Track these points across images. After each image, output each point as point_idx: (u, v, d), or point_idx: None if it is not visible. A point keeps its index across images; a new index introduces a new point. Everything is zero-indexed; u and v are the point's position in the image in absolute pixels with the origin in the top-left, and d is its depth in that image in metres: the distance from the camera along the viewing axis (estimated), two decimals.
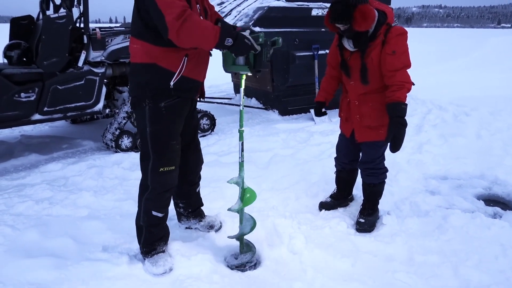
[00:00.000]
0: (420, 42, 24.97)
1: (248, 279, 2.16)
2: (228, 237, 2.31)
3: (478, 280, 2.09)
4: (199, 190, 2.59)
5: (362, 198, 2.80)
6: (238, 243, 2.32)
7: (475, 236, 2.50)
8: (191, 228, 2.60)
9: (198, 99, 2.35)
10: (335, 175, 3.00)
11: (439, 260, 2.26)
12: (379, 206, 2.79)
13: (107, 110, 4.44)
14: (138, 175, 3.50)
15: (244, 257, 2.27)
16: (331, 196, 2.98)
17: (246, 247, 2.31)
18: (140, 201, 2.18)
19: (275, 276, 2.17)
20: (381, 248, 2.39)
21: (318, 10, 5.28)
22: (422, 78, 9.96)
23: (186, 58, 1.98)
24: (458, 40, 27.30)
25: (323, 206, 2.89)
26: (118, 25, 5.42)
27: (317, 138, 4.48)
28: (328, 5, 5.25)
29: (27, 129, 4.91)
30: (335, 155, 4.05)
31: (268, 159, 3.78)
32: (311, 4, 5.23)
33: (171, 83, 1.98)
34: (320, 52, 5.42)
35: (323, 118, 5.42)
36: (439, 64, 13.11)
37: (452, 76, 10.29)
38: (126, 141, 4.24)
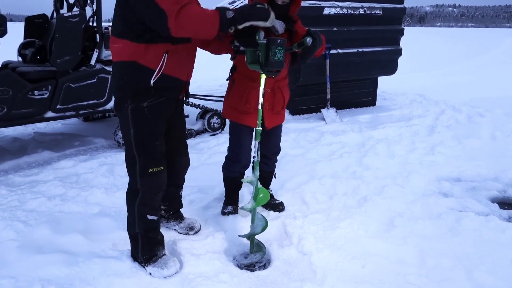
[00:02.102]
0: (434, 42, 24.67)
1: (257, 279, 2.15)
2: (239, 235, 2.30)
3: (492, 285, 2.05)
4: (181, 193, 2.59)
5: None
6: (247, 242, 2.31)
7: (489, 240, 2.45)
8: (170, 229, 2.57)
9: (184, 99, 2.31)
10: (227, 183, 2.79)
11: (452, 264, 2.22)
12: None
13: None
14: None
15: (254, 257, 2.26)
16: (231, 204, 2.79)
17: (257, 247, 2.30)
18: (131, 209, 2.11)
19: (285, 276, 2.16)
20: (392, 250, 2.36)
21: (330, 9, 5.24)
22: (435, 79, 9.85)
23: (166, 55, 1.93)
24: (473, 40, 26.88)
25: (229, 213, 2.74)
26: None
27: (328, 138, 4.45)
28: (342, 4, 5.25)
29: (40, 126, 4.97)
30: (346, 154, 4.03)
31: (278, 159, 3.74)
32: (323, 3, 5.19)
33: (151, 81, 1.93)
34: (332, 51, 5.38)
35: (334, 118, 5.39)
36: (453, 65, 12.92)
37: (466, 77, 10.13)
38: None
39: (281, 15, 2.36)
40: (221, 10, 1.81)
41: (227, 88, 2.64)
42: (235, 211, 2.75)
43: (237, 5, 5.93)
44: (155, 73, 1.92)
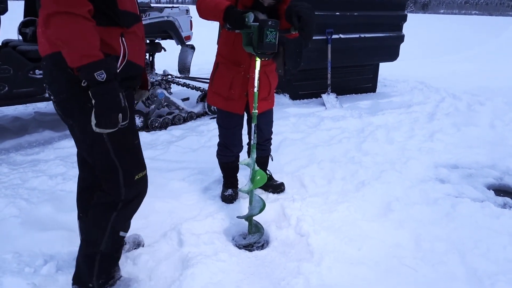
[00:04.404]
0: (437, 29, 24.45)
1: (256, 259, 2.19)
2: (237, 217, 2.34)
3: (485, 269, 2.10)
4: None
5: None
6: (246, 223, 2.36)
7: (484, 225, 2.49)
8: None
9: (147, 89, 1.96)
10: (224, 168, 2.79)
11: (447, 248, 2.27)
12: None
13: None
14: (148, 154, 3.57)
15: (252, 238, 2.30)
16: (231, 187, 2.80)
17: (255, 227, 2.34)
18: (103, 225, 1.70)
19: (282, 257, 2.21)
20: (388, 234, 2.40)
21: None
22: (437, 66, 9.81)
23: (123, 38, 1.56)
24: (476, 28, 26.63)
25: (229, 199, 2.74)
26: None
27: (328, 123, 4.47)
28: None
29: (41, 106, 4.97)
30: (345, 140, 4.06)
31: (278, 143, 3.79)
32: None
33: (117, 71, 1.53)
34: (334, 36, 5.35)
35: (334, 103, 5.39)
36: (455, 53, 12.85)
37: (468, 65, 10.09)
38: (137, 121, 4.27)
39: (263, 11, 2.26)
40: (98, 63, 1.41)
41: (211, 72, 2.58)
42: (235, 194, 2.78)
43: None
44: (120, 59, 1.56)
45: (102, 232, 1.72)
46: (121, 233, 1.78)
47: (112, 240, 1.75)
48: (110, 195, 1.69)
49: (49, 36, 1.42)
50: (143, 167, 1.74)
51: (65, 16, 1.34)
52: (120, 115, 1.48)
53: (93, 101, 1.43)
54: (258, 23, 1.95)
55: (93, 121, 1.45)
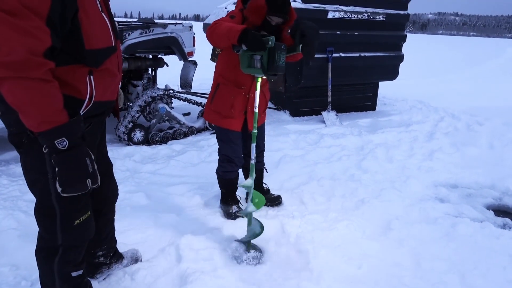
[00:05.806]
0: (435, 49, 24.76)
1: (255, 276, 2.17)
2: (235, 240, 2.35)
3: None
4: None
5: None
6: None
7: (484, 246, 2.49)
8: (113, 274, 2.08)
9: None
10: (227, 185, 2.78)
11: (446, 268, 2.26)
12: None
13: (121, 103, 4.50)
14: (149, 168, 3.57)
15: (251, 255, 2.29)
16: (234, 204, 2.81)
17: (253, 247, 2.34)
18: (47, 269, 1.59)
19: (282, 274, 2.19)
20: (388, 253, 2.39)
21: (334, 13, 5.28)
22: (435, 86, 9.91)
23: (91, 76, 1.43)
24: (474, 48, 26.99)
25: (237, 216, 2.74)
26: (135, 19, 5.48)
27: (328, 140, 4.49)
28: (346, 8, 5.30)
29: None
30: (345, 157, 4.07)
31: (278, 159, 3.80)
32: (327, 7, 5.23)
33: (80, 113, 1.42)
34: (334, 55, 5.43)
35: (334, 121, 5.43)
36: (454, 72, 12.99)
37: (466, 85, 10.20)
38: (138, 135, 4.30)
39: (271, 32, 2.34)
40: (61, 129, 1.30)
41: (210, 91, 2.62)
42: (240, 210, 2.77)
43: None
44: (85, 103, 1.43)
45: (51, 277, 1.60)
46: (74, 274, 1.63)
47: (67, 283, 1.62)
48: (47, 240, 1.55)
49: (3, 94, 1.25)
50: (86, 210, 1.57)
51: (18, 82, 1.19)
52: (89, 180, 1.38)
53: (57, 169, 1.33)
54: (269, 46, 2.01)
55: (59, 188, 1.35)
